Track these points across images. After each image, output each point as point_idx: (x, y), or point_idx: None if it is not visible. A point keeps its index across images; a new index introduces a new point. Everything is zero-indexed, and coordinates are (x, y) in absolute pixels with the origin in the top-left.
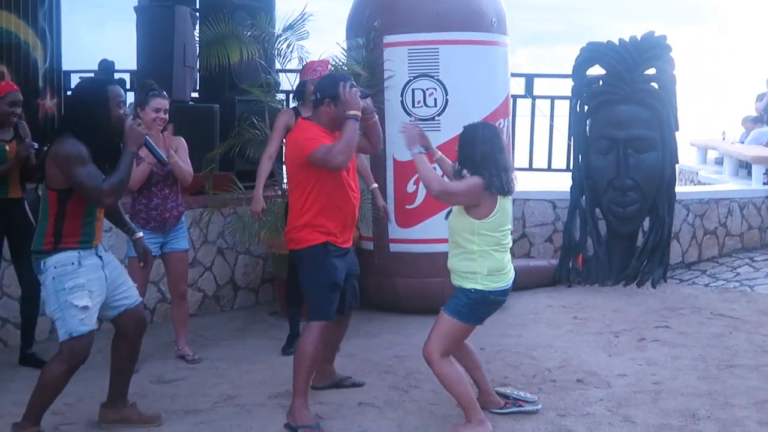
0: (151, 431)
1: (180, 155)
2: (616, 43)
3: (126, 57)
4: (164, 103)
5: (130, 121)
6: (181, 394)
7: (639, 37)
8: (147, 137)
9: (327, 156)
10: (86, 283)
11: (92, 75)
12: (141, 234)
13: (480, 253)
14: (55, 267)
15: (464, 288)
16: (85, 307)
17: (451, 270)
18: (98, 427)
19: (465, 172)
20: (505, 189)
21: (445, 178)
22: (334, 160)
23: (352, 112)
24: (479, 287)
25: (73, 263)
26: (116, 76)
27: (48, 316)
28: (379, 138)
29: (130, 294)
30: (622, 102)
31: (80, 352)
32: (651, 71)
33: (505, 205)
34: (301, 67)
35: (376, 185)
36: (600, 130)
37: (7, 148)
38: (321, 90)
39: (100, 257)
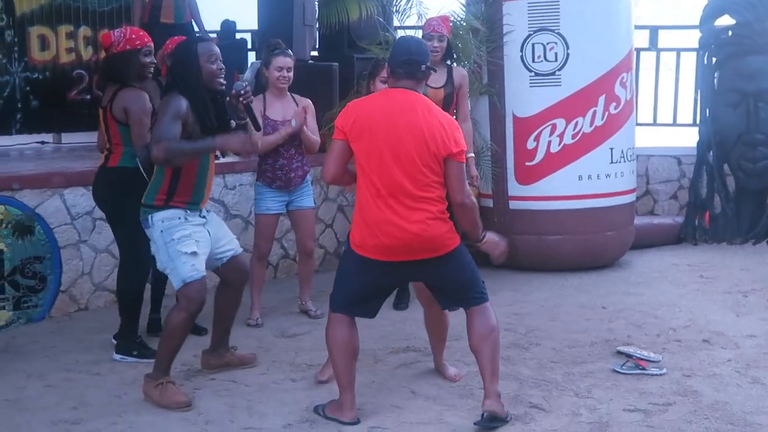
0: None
1: (308, 120)
2: None
3: (247, 17)
4: (287, 62)
5: (254, 134)
6: (304, 348)
7: None
8: (251, 104)
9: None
10: (192, 234)
11: (215, 35)
12: None
13: None
14: (162, 221)
15: None
16: (194, 253)
17: None
18: (202, 372)
19: None
20: None
21: None
22: None
23: None
24: None
25: (179, 218)
26: (238, 36)
27: (161, 269)
28: None
29: (232, 246)
30: (753, 53)
31: (196, 296)
32: None
33: None
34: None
35: None
36: (729, 82)
37: None
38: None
39: (204, 217)
